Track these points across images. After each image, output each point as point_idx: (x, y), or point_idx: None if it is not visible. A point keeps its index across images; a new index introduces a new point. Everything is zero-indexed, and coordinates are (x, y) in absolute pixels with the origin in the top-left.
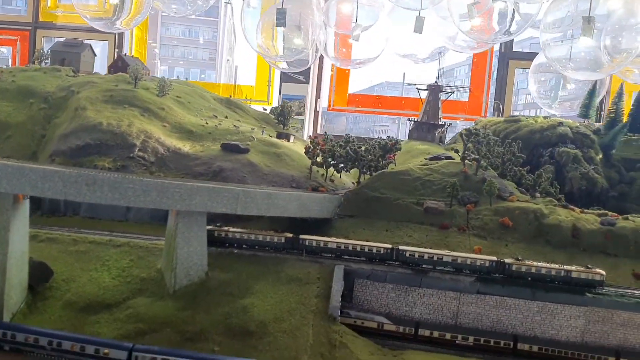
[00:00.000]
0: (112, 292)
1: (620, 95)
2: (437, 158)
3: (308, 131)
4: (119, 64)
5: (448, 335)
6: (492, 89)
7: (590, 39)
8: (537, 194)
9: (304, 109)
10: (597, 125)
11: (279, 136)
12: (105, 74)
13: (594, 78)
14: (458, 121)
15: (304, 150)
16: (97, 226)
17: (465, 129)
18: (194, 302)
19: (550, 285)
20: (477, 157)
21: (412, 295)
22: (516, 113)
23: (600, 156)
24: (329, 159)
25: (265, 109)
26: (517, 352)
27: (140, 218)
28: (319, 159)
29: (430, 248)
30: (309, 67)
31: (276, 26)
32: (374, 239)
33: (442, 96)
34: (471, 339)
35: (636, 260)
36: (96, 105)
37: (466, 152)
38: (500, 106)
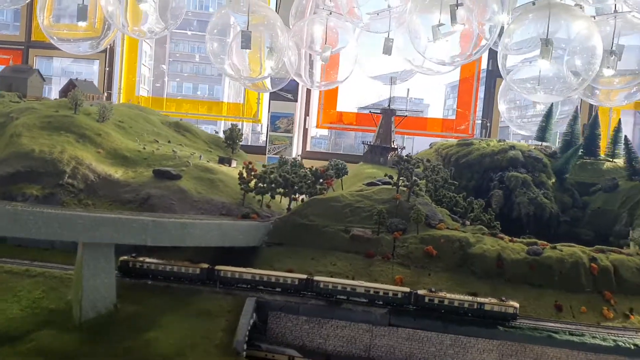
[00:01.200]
0: (18, 324)
1: (575, 118)
2: (373, 184)
3: (297, 149)
4: (69, 89)
5: None
6: (480, 107)
7: (548, 61)
8: (467, 222)
9: (292, 126)
10: (553, 148)
11: (221, 161)
12: (55, 99)
13: (552, 101)
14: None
15: (238, 176)
16: (23, 255)
17: (397, 156)
18: (98, 336)
19: (463, 318)
20: (407, 183)
21: (326, 328)
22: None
23: (553, 180)
24: (260, 185)
25: (216, 132)
26: None
27: (66, 246)
28: (251, 185)
29: (353, 277)
30: (297, 85)
31: (241, 48)
32: (299, 268)
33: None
34: None
35: (560, 291)
36: (32, 132)
37: (401, 178)
38: (488, 124)
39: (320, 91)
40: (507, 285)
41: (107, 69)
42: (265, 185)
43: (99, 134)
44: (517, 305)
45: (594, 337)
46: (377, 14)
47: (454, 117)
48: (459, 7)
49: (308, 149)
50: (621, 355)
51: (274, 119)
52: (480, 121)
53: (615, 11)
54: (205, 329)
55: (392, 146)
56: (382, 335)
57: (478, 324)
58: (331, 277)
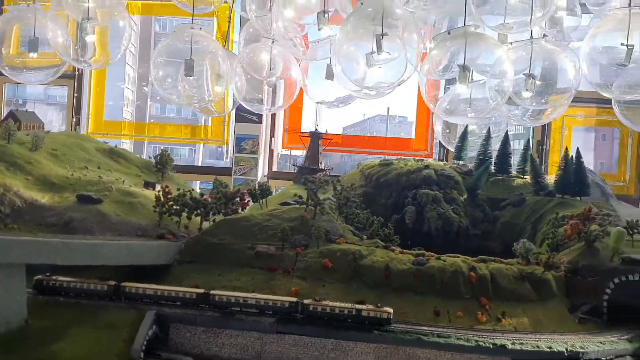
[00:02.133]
0: None
1: (488, 138)
2: (286, 203)
3: (263, 170)
4: (9, 120)
5: None
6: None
7: (465, 86)
8: (365, 236)
9: (258, 147)
10: (469, 166)
11: (146, 185)
12: None
13: (468, 122)
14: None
15: (155, 199)
16: None
17: (305, 177)
18: (10, 348)
19: (343, 323)
20: (312, 203)
21: (221, 337)
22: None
23: (465, 197)
24: (173, 207)
25: (150, 157)
26: None
27: None
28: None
29: (253, 290)
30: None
31: (185, 76)
32: (205, 284)
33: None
34: None
35: (440, 298)
36: None
37: (311, 197)
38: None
39: (284, 113)
40: (393, 294)
41: (76, 94)
42: (178, 207)
43: (29, 162)
44: (390, 310)
45: (458, 339)
46: (318, 42)
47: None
48: (384, 37)
49: (274, 169)
50: (482, 354)
51: (239, 140)
52: (439, 141)
53: (531, 37)
54: (108, 340)
55: (320, 167)
56: (271, 342)
57: (357, 329)
58: (234, 291)
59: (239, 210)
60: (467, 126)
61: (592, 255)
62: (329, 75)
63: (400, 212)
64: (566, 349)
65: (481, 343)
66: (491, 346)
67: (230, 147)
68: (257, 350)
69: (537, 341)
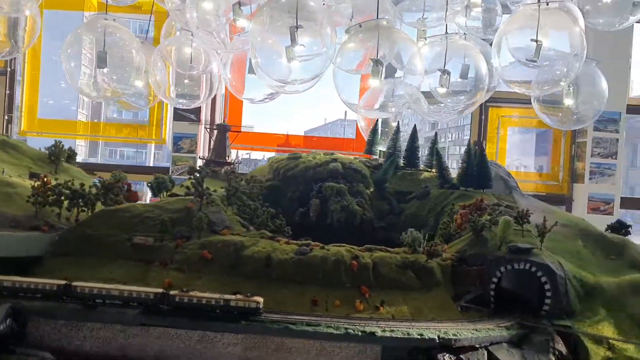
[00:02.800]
0: None
1: (397, 132)
2: (174, 195)
3: None
4: None
5: None
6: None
7: (378, 81)
8: (252, 227)
9: (196, 147)
10: (380, 160)
11: (31, 176)
12: None
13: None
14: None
15: (32, 190)
16: None
17: (190, 167)
18: None
19: (210, 314)
20: (197, 193)
21: (83, 330)
22: None
23: (372, 190)
24: (50, 197)
25: (44, 149)
26: None
27: None
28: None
29: (125, 283)
30: (199, 107)
31: (97, 68)
32: (78, 276)
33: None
34: None
35: (321, 287)
36: None
37: (196, 188)
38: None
39: (224, 112)
40: (273, 284)
41: (8, 92)
42: (54, 197)
43: None
44: (260, 300)
45: (328, 327)
46: (239, 35)
47: None
48: (300, 30)
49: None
50: (351, 341)
51: (176, 139)
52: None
53: (447, 32)
54: None
55: (227, 161)
56: (135, 335)
57: (224, 320)
58: (107, 283)
59: (125, 202)
60: (377, 121)
61: (480, 244)
62: (251, 70)
63: (306, 206)
64: (438, 336)
65: (350, 331)
66: (360, 334)
67: (169, 147)
68: (120, 343)
69: (410, 328)
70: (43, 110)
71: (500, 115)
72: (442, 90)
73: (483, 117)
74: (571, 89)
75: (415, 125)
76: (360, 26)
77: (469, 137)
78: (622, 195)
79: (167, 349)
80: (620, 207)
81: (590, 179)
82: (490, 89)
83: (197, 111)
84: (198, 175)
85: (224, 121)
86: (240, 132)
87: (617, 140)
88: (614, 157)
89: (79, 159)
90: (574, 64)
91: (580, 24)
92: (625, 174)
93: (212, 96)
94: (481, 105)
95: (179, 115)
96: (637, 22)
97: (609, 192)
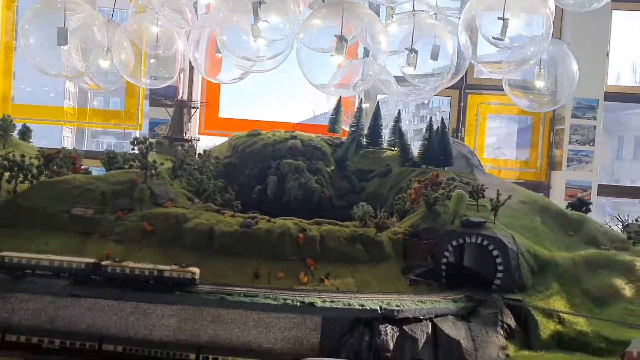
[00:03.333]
0: None
1: (360, 110)
2: (120, 168)
3: None
4: None
5: (35, 340)
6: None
7: (342, 57)
8: (197, 200)
9: None
10: (342, 139)
11: None
12: None
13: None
14: None
15: None
16: None
17: (134, 138)
18: None
19: (142, 285)
20: (140, 164)
21: (11, 302)
22: None
23: (332, 168)
24: None
25: None
26: (102, 354)
27: None
28: None
29: (61, 254)
30: (177, 91)
31: (57, 45)
32: (13, 247)
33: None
34: (57, 342)
35: (265, 260)
36: None
37: (139, 160)
38: None
39: (201, 98)
40: (215, 257)
41: None
42: None
43: None
44: (196, 271)
45: (266, 297)
46: (207, 13)
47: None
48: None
49: None
50: (290, 312)
51: (152, 125)
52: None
53: (414, 10)
54: None
55: (185, 137)
56: (65, 306)
57: (158, 291)
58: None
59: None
60: (340, 99)
61: (433, 218)
62: (217, 50)
63: (264, 183)
64: (380, 307)
65: (289, 301)
66: (299, 304)
67: (146, 133)
68: (50, 315)
69: (352, 299)
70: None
71: (479, 102)
72: (410, 70)
73: (462, 104)
74: (542, 71)
75: (378, 103)
76: (324, 1)
77: (430, 116)
78: (600, 183)
79: (98, 320)
80: (597, 194)
81: (567, 166)
82: (460, 70)
83: (173, 97)
84: (141, 146)
85: (202, 108)
86: (198, 108)
87: (595, 127)
88: (591, 144)
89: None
90: (541, 43)
91: (549, 5)
92: (611, 166)
93: (178, 76)
94: (460, 92)
95: (155, 100)
96: (606, 4)
97: (586, 179)
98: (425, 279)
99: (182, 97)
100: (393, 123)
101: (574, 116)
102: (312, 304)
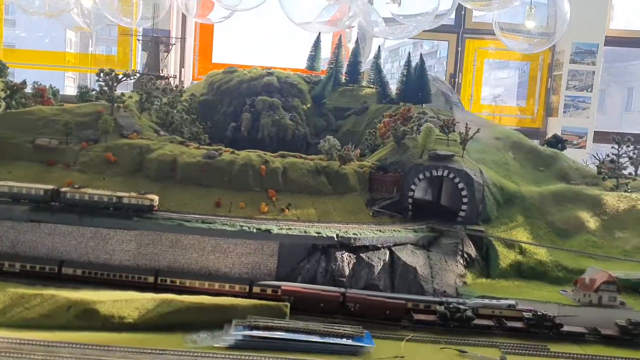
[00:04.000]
0: None
1: (339, 47)
2: (87, 100)
3: None
4: None
5: None
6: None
7: None
8: (163, 132)
9: None
10: (322, 76)
11: None
12: None
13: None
14: None
15: None
16: None
17: (100, 69)
18: None
19: (101, 211)
20: (105, 97)
21: None
22: None
23: (309, 105)
24: None
25: None
26: (62, 277)
27: None
28: None
29: (27, 182)
30: (169, 36)
31: None
32: None
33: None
34: (18, 265)
35: (227, 190)
36: None
37: (104, 92)
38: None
39: (194, 43)
40: (177, 186)
41: None
42: None
43: None
44: (154, 197)
45: (223, 224)
46: None
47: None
48: None
49: None
50: (246, 238)
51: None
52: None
53: None
54: None
55: (161, 74)
56: (25, 232)
57: (117, 217)
58: None
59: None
60: (319, 35)
61: (401, 152)
62: None
63: (239, 120)
64: (337, 235)
65: (245, 228)
66: (255, 231)
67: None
68: (11, 240)
69: (309, 227)
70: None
71: (477, 47)
72: (394, 8)
73: (459, 48)
74: (533, 11)
75: (357, 40)
76: None
77: (409, 51)
78: (596, 129)
79: (59, 245)
80: (594, 141)
81: (564, 112)
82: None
83: (166, 42)
84: (107, 77)
85: (195, 54)
86: (174, 44)
87: (594, 72)
88: (589, 90)
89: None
90: None
91: None
92: (619, 117)
93: (161, 16)
94: (458, 36)
95: (147, 45)
96: None
97: (582, 125)
98: (391, 210)
99: (157, 34)
100: (372, 60)
101: (572, 61)
102: (268, 231)
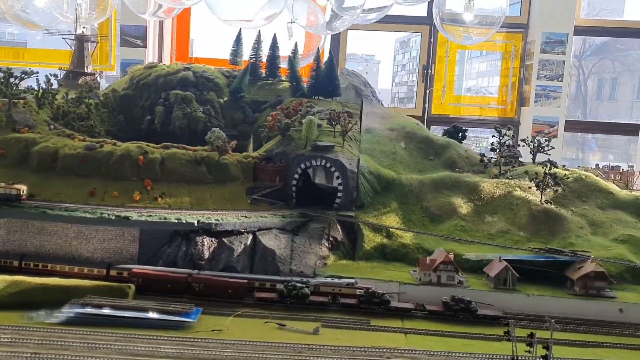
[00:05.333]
0: None
1: (258, 42)
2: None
3: None
4: None
5: None
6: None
7: None
8: (52, 126)
9: None
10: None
11: None
12: None
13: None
14: None
15: None
16: None
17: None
18: None
19: None
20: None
21: None
22: None
23: (225, 99)
24: None
25: None
26: None
27: None
28: None
29: None
30: (146, 32)
31: None
32: None
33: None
34: None
35: (103, 180)
36: None
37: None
38: None
39: (172, 39)
40: (57, 177)
41: None
42: None
43: None
44: (22, 187)
45: (84, 212)
46: None
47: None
48: None
49: None
50: (106, 225)
51: (124, 65)
52: None
53: None
54: None
55: (86, 71)
56: None
57: None
58: None
59: None
60: (240, 30)
61: (286, 143)
62: None
63: (154, 114)
64: (198, 221)
65: (105, 215)
66: (114, 217)
67: (117, 74)
68: None
69: (170, 214)
70: None
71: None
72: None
73: (432, 40)
74: (472, 3)
75: (275, 34)
76: None
77: (318, 47)
78: (568, 119)
79: None
80: (565, 130)
81: (535, 101)
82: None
83: (143, 37)
84: (5, 75)
85: (172, 49)
86: (98, 42)
87: (564, 62)
88: (560, 79)
89: None
90: None
91: None
92: (630, 105)
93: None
94: (430, 27)
95: (125, 41)
96: None
97: (553, 115)
98: (273, 198)
99: (83, 32)
100: (290, 55)
101: (542, 51)
102: (126, 218)
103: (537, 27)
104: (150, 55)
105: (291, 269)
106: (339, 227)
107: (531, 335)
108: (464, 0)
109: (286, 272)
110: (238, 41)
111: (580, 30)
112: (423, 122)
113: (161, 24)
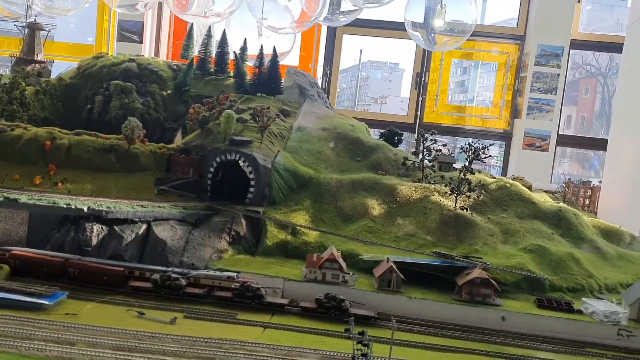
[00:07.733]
0: None
1: (209, 37)
2: None
3: None
4: None
5: None
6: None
7: None
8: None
9: None
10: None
11: None
12: None
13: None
14: None
15: None
16: None
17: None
18: None
19: None
20: None
21: None
22: None
23: (169, 92)
24: None
25: None
26: None
27: None
28: None
29: None
30: (143, 27)
31: None
32: None
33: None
34: None
35: (8, 163)
36: None
37: None
38: (328, 71)
39: (169, 34)
40: None
41: None
42: None
43: None
44: None
45: None
46: None
47: None
48: None
49: None
50: (17, 208)
51: None
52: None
53: None
54: None
55: (35, 59)
56: None
57: None
58: None
59: None
60: (192, 25)
61: (205, 136)
62: None
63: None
64: (88, 207)
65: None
66: (2, 199)
67: None
68: None
69: (61, 199)
70: None
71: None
72: None
73: None
74: (443, 9)
75: (225, 30)
76: None
77: (261, 44)
78: (561, 133)
79: None
80: (557, 145)
81: (527, 114)
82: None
83: (140, 32)
84: None
85: (169, 44)
86: (49, 31)
87: (558, 75)
88: (553, 92)
89: None
90: None
91: None
92: None
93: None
94: None
95: (122, 36)
96: None
97: (545, 128)
98: (184, 191)
99: (35, 20)
100: (239, 52)
101: (537, 63)
102: (15, 200)
103: (532, 39)
104: (146, 50)
105: (182, 260)
106: (243, 221)
107: (362, 333)
108: (436, 6)
109: (176, 264)
110: (189, 36)
111: (577, 44)
112: (414, 129)
113: (159, 20)
